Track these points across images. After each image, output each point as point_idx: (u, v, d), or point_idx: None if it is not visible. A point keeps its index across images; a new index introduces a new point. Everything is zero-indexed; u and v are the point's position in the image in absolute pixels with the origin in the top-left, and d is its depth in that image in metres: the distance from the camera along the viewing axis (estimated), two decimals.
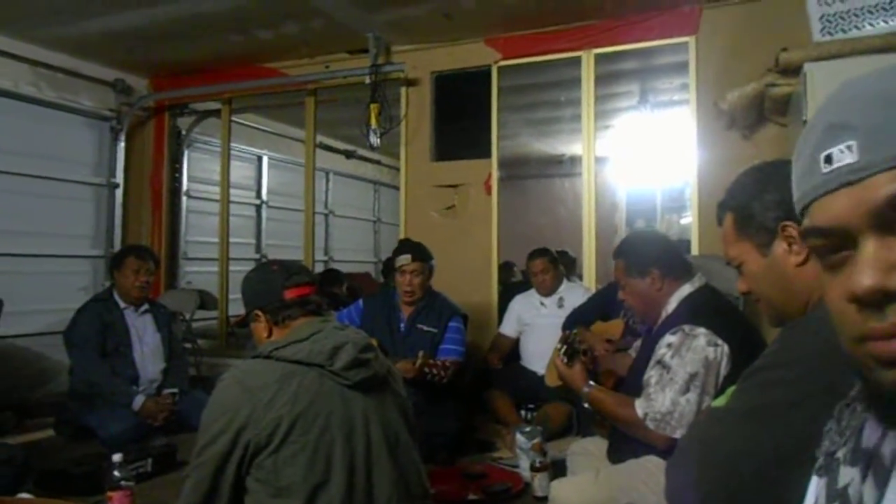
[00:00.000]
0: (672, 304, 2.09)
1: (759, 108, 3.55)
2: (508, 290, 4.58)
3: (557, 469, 2.59)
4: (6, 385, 4.07)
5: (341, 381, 1.62)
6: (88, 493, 2.49)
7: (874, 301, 0.51)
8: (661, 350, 1.97)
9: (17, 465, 2.63)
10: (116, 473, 2.28)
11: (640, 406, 1.96)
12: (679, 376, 1.90)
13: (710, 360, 1.89)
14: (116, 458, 2.28)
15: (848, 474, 0.60)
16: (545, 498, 2.10)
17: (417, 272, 3.43)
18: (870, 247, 0.51)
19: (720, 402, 1.50)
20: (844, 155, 0.53)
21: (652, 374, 1.96)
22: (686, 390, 1.89)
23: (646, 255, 2.15)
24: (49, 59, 4.66)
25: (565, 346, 2.26)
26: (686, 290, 2.09)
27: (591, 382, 2.19)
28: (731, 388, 1.56)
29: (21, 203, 4.56)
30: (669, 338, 1.96)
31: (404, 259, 3.46)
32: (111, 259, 3.97)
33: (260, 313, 1.82)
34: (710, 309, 2.01)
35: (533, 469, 2.67)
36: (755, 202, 1.21)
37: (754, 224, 1.21)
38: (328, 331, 1.69)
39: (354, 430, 1.60)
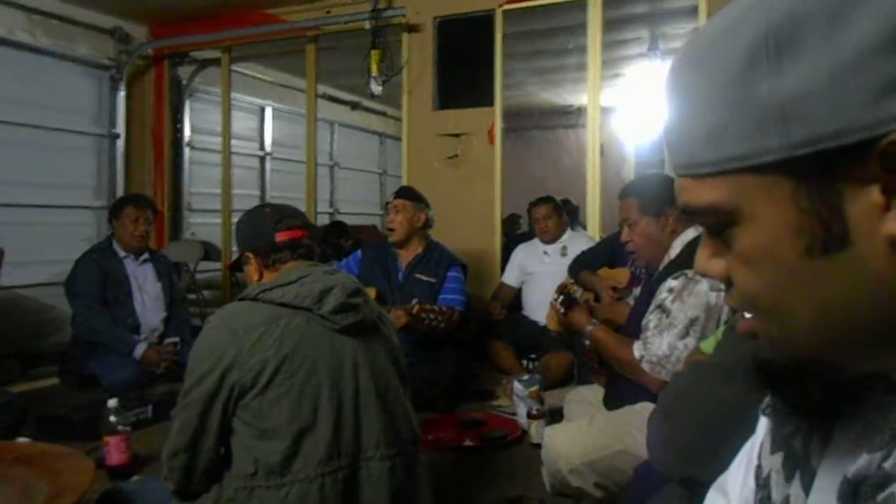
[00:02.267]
0: (676, 249, 2.04)
1: None
2: (514, 243, 4.55)
3: (555, 417, 2.58)
4: (11, 335, 4.10)
5: (329, 325, 1.59)
6: (87, 438, 2.51)
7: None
8: (662, 294, 1.93)
9: (15, 410, 2.66)
10: (112, 419, 2.30)
11: (637, 348, 1.94)
12: (679, 321, 1.87)
13: (711, 305, 1.86)
14: (112, 403, 2.30)
15: (791, 422, 0.57)
16: (541, 444, 2.09)
17: (399, 208, 3.40)
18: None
19: (708, 345, 1.47)
20: None
21: (651, 318, 1.93)
22: (685, 335, 1.86)
23: (662, 194, 2.06)
24: (44, 6, 4.57)
25: (562, 297, 2.23)
26: (691, 234, 2.03)
27: (594, 321, 2.16)
28: (720, 330, 1.53)
29: (21, 153, 4.53)
30: (671, 282, 1.92)
31: (390, 197, 3.46)
32: (110, 209, 3.94)
33: (251, 255, 1.79)
34: None
35: (530, 416, 2.67)
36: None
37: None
38: (317, 274, 1.66)
39: (342, 375, 1.58)
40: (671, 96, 0.50)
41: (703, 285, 1.87)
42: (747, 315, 0.51)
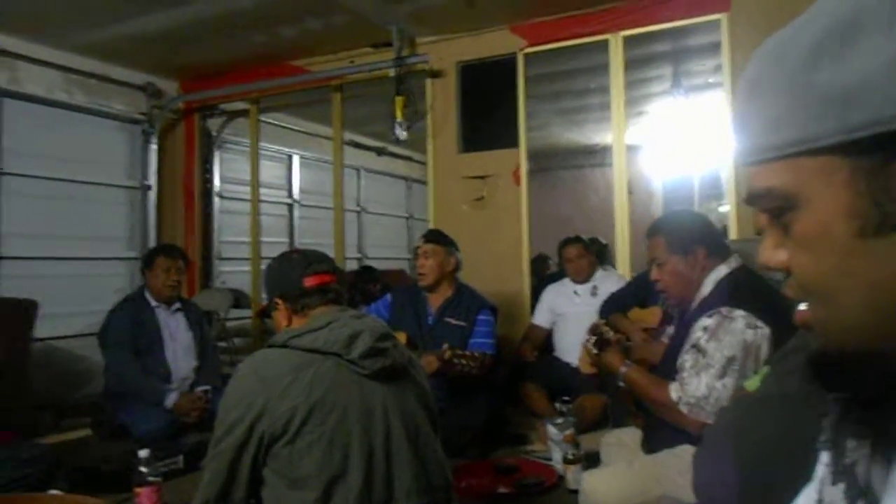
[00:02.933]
0: (708, 286, 1.99)
1: None
2: (544, 283, 4.51)
3: (591, 461, 2.51)
4: (45, 386, 4.13)
5: (359, 371, 1.58)
6: (118, 490, 2.49)
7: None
8: (697, 333, 1.88)
9: (47, 462, 2.66)
10: (143, 469, 2.27)
11: (674, 389, 1.88)
12: (716, 360, 1.82)
13: (748, 343, 1.80)
14: (143, 454, 2.28)
15: (856, 451, 0.55)
16: (577, 489, 2.03)
17: (430, 253, 3.39)
18: None
19: (752, 383, 1.41)
20: None
21: (686, 359, 1.88)
22: (723, 375, 1.80)
23: (690, 232, 2.03)
24: (80, 65, 4.74)
25: (595, 338, 2.19)
26: (723, 270, 1.99)
27: (628, 362, 2.11)
28: (764, 370, 1.48)
29: (56, 207, 4.64)
30: (706, 321, 1.87)
31: (419, 241, 3.45)
32: (142, 259, 3.99)
33: (280, 301, 1.79)
34: (748, 290, 1.91)
35: (566, 461, 2.60)
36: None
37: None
38: (345, 319, 1.65)
39: (373, 421, 1.56)
40: (742, 89, 0.53)
41: (739, 323, 1.82)
42: (803, 306, 0.52)
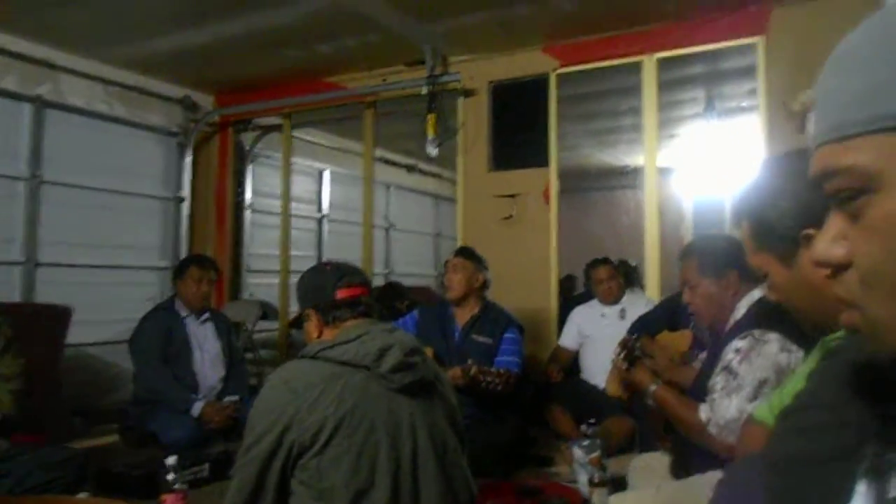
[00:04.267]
0: (741, 310, 1.96)
1: None
2: (571, 304, 4.48)
3: (617, 485, 2.47)
4: (77, 391, 4.19)
5: (388, 385, 1.58)
6: (145, 495, 2.51)
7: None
8: (729, 356, 1.85)
9: (78, 466, 2.69)
10: (171, 476, 2.29)
11: (703, 410, 1.85)
12: (747, 382, 1.78)
13: (781, 367, 1.77)
14: (170, 461, 2.30)
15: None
16: None
17: (459, 268, 3.40)
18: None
19: (762, 412, 1.38)
20: None
21: (718, 381, 1.85)
22: (754, 397, 1.77)
23: (723, 254, 2.01)
24: (120, 78, 4.85)
25: (625, 352, 2.16)
26: (756, 294, 1.96)
27: (658, 380, 2.08)
28: (774, 394, 1.43)
29: (92, 216, 4.74)
30: (738, 343, 1.84)
31: (450, 256, 3.46)
32: (174, 268, 4.04)
33: (311, 312, 1.80)
34: (783, 313, 1.87)
35: (591, 484, 2.56)
36: (770, 210, 1.07)
37: (773, 235, 1.07)
38: (375, 332, 1.65)
39: (400, 435, 1.55)
40: (831, 64, 0.51)
41: (772, 346, 1.79)
42: (850, 310, 0.49)
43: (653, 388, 2.05)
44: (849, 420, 0.85)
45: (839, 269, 0.49)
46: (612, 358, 2.24)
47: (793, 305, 1.11)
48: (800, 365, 1.75)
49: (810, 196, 0.55)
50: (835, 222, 0.50)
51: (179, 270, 3.85)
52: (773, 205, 1.07)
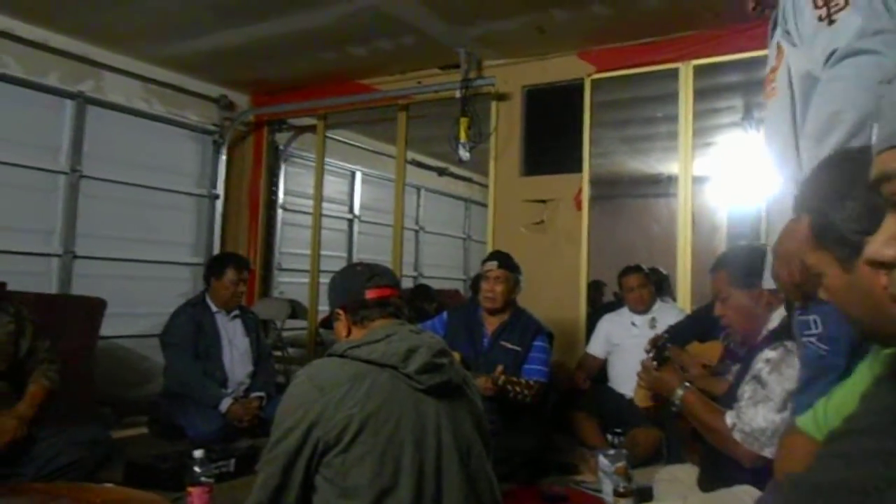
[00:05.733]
0: (775, 321, 1.93)
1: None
2: (599, 312, 4.44)
3: (643, 496, 2.43)
4: (108, 382, 4.27)
5: (414, 385, 1.58)
6: (172, 488, 2.54)
7: None
8: (759, 365, 1.82)
9: (105, 446, 2.74)
10: (197, 469, 2.31)
11: (730, 416, 1.82)
12: (776, 394, 1.76)
13: None
14: (198, 454, 2.32)
15: None
16: None
17: (501, 279, 3.37)
18: None
19: (806, 422, 1.34)
20: None
21: (746, 389, 1.82)
22: (782, 409, 1.74)
23: (754, 266, 1.95)
24: (159, 76, 4.94)
25: (655, 350, 2.13)
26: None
27: (687, 384, 2.03)
28: (820, 402, 1.39)
29: (128, 211, 4.83)
30: (769, 353, 1.82)
31: (490, 265, 3.42)
32: (209, 265, 4.07)
33: (341, 312, 1.81)
34: None
35: (616, 494, 2.52)
36: (836, 209, 1.02)
37: (834, 235, 1.02)
38: (403, 333, 1.65)
39: (425, 436, 1.55)
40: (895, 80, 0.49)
41: None
42: None
43: (680, 392, 2.01)
44: None
45: (891, 267, 0.50)
46: (642, 360, 2.21)
47: (845, 311, 1.07)
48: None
49: (878, 201, 0.53)
50: (890, 224, 0.50)
51: (216, 269, 3.89)
52: (840, 204, 1.01)
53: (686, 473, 2.21)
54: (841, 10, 1.43)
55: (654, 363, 2.09)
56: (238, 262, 3.95)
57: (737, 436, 1.79)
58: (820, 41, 1.46)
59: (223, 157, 5.44)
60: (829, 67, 1.44)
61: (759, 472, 1.74)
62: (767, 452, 1.74)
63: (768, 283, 1.72)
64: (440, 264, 8.19)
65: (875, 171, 0.49)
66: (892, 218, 0.49)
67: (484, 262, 3.51)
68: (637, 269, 4.03)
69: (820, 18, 1.47)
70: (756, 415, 1.77)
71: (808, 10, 1.49)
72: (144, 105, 4.90)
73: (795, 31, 1.53)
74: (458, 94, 4.44)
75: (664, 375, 2.07)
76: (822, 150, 1.40)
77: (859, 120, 1.36)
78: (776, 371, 1.78)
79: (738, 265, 2.03)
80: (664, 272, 4.85)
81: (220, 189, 5.43)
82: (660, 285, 4.63)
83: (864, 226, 0.96)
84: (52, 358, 2.74)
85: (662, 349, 2.13)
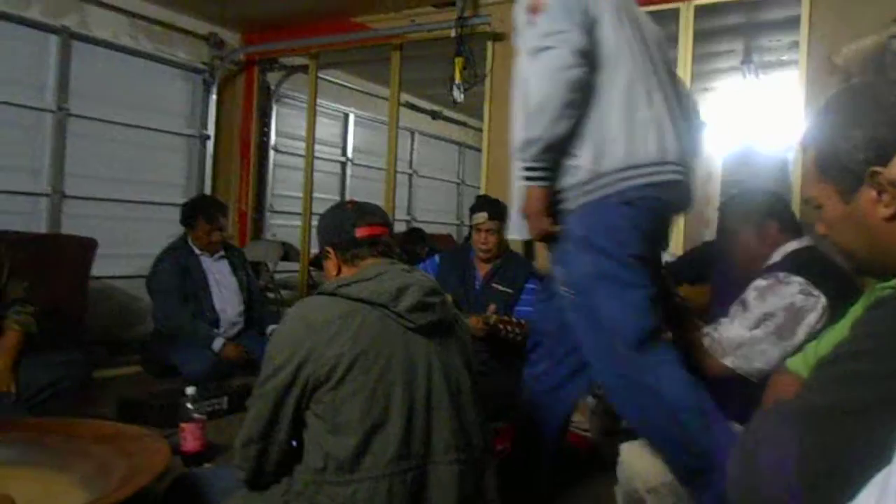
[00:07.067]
0: (776, 258, 1.95)
1: (880, 63, 3.25)
2: None
3: (629, 436, 2.47)
4: (99, 323, 4.27)
5: (405, 324, 1.57)
6: (165, 425, 2.57)
7: None
8: (749, 292, 1.87)
9: (82, 368, 2.77)
10: (189, 406, 2.34)
11: (706, 328, 1.90)
12: (753, 313, 1.82)
13: (795, 307, 1.77)
14: (190, 391, 2.35)
15: None
16: (615, 462, 2.01)
17: (493, 231, 3.35)
18: None
19: (795, 363, 1.36)
20: None
21: (730, 310, 1.89)
22: (755, 326, 1.81)
23: (765, 206, 2.02)
24: (147, 12, 4.81)
25: None
26: (793, 245, 1.95)
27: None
28: (810, 346, 1.41)
29: (117, 151, 4.75)
30: (759, 281, 1.86)
31: (480, 217, 3.38)
32: (182, 214, 3.93)
33: (330, 250, 1.80)
34: (816, 264, 1.86)
35: (603, 434, 2.58)
36: (841, 140, 1.01)
37: (837, 165, 1.02)
38: (394, 272, 1.64)
39: (416, 375, 1.56)
40: None
41: (793, 287, 1.80)
42: None
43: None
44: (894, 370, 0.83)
45: None
46: None
47: (840, 244, 1.07)
48: (819, 311, 1.75)
49: (886, 130, 0.51)
50: None
51: (188, 220, 3.83)
52: (846, 135, 1.00)
53: None
54: (538, 13, 1.81)
55: None
56: (208, 211, 3.83)
57: (705, 340, 1.87)
58: (527, 38, 1.85)
59: (213, 97, 5.34)
60: (529, 59, 1.84)
61: (745, 408, 1.77)
62: (729, 361, 1.82)
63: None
64: (433, 209, 8.16)
65: None
66: None
67: (473, 211, 3.46)
68: None
69: (528, 21, 1.85)
70: (730, 328, 1.85)
71: (521, 13, 1.89)
72: (131, 42, 4.78)
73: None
74: (452, 33, 4.34)
75: None
76: (522, 121, 1.90)
77: (542, 101, 1.80)
78: (760, 297, 1.83)
79: (749, 203, 2.07)
80: None
81: (211, 130, 5.34)
82: None
83: (870, 156, 0.96)
84: (27, 299, 2.70)
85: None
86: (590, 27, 1.84)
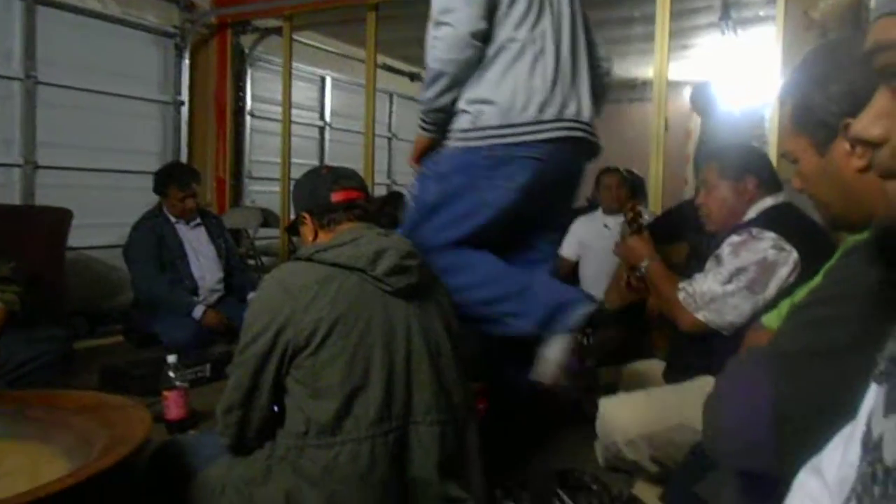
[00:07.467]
0: (751, 214, 1.97)
1: (857, 17, 3.24)
2: (572, 214, 4.44)
3: (610, 392, 2.52)
4: (78, 294, 4.23)
5: (382, 287, 1.58)
6: (147, 393, 2.58)
7: None
8: (723, 247, 1.91)
9: (63, 342, 2.77)
10: (172, 374, 2.34)
11: (682, 283, 1.95)
12: (725, 268, 1.86)
13: (767, 261, 1.81)
14: (171, 359, 2.35)
15: None
16: (594, 417, 2.05)
17: None
18: None
19: (770, 319, 1.38)
20: None
21: (706, 265, 1.93)
22: (728, 281, 1.85)
23: (745, 160, 2.04)
24: None
25: (632, 215, 2.20)
26: (768, 202, 1.98)
27: (657, 256, 2.14)
28: (784, 303, 1.44)
29: (90, 119, 4.65)
30: (734, 237, 1.90)
31: None
32: (154, 182, 3.91)
33: (306, 216, 1.80)
34: (789, 220, 1.89)
35: (584, 390, 2.62)
36: (817, 93, 1.02)
37: (813, 118, 1.03)
38: (371, 236, 1.64)
39: (395, 338, 1.57)
40: None
41: (765, 243, 1.83)
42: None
43: (647, 262, 2.12)
44: (864, 313, 0.85)
45: (874, 146, 0.49)
46: (622, 220, 2.33)
47: (815, 196, 1.09)
48: (790, 265, 1.78)
49: (861, 83, 0.51)
50: (880, 99, 0.48)
51: (160, 188, 3.80)
52: (822, 87, 1.01)
53: (651, 369, 2.29)
54: None
55: (634, 226, 2.17)
56: (180, 178, 3.82)
57: (679, 294, 1.92)
58: (432, 5, 2.01)
59: (186, 62, 5.22)
60: (433, 27, 2.00)
61: (721, 362, 1.81)
62: (701, 315, 1.87)
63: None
64: (413, 172, 8.10)
65: (870, 39, 0.47)
66: (883, 93, 0.47)
67: None
68: (616, 170, 4.07)
69: None
70: (703, 283, 1.89)
71: None
72: (98, 5, 4.64)
73: None
74: None
75: (636, 243, 2.16)
76: (424, 91, 2.06)
77: (435, 74, 2.00)
78: (734, 253, 1.87)
79: (730, 158, 2.08)
80: (640, 175, 4.85)
81: (185, 96, 5.24)
82: (634, 188, 4.65)
83: (844, 108, 0.97)
84: (13, 279, 2.69)
85: (638, 215, 2.20)
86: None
